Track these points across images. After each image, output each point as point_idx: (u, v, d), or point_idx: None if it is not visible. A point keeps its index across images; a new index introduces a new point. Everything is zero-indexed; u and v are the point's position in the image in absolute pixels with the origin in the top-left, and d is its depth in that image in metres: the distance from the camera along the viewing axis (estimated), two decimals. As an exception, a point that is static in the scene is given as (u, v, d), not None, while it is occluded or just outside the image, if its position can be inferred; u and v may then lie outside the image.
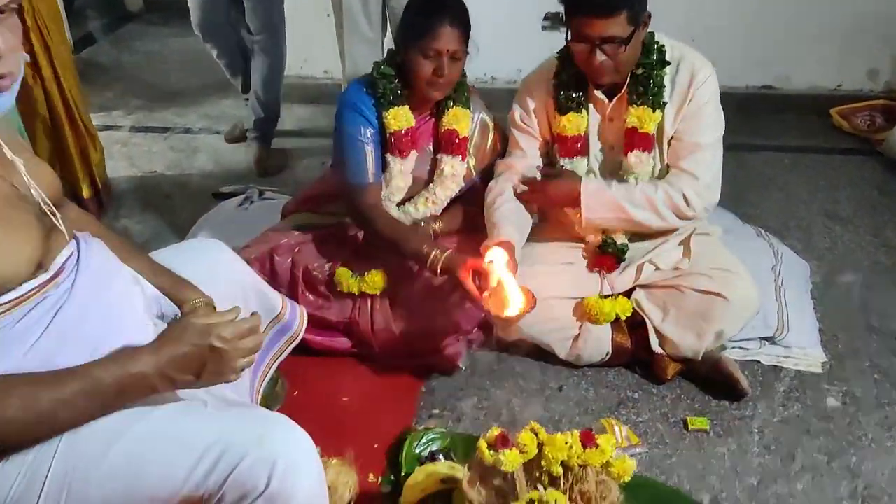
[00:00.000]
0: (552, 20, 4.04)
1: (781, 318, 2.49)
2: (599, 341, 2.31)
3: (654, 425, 2.20)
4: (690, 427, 2.17)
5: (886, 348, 2.47)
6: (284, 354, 1.97)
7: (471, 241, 2.30)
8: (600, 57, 2.06)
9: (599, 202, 2.19)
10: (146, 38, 5.48)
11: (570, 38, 2.10)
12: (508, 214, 2.20)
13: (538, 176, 2.29)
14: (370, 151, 2.26)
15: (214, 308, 1.56)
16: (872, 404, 2.26)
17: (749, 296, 2.22)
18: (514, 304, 1.96)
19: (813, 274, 2.80)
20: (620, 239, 2.30)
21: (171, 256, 1.69)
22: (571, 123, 2.23)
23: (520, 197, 2.26)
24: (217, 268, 1.74)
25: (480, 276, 2.00)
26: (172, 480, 1.23)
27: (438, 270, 2.07)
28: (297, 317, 1.98)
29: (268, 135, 3.69)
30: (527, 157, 2.32)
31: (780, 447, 2.12)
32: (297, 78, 4.35)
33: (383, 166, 2.32)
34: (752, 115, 3.95)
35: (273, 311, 1.91)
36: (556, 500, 1.56)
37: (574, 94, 2.22)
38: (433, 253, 2.08)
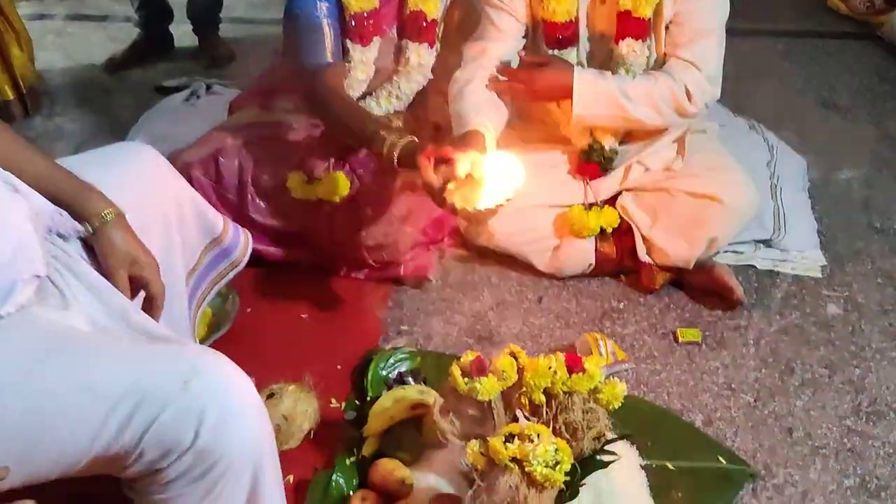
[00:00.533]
0: None
1: (778, 219, 2.30)
2: (582, 252, 2.11)
3: (642, 338, 2.03)
4: (681, 339, 2.00)
5: (890, 249, 2.30)
6: (225, 280, 1.74)
7: (439, 139, 2.05)
8: None
9: (594, 96, 1.93)
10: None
11: None
12: (479, 104, 1.92)
13: (518, 64, 2.01)
14: (328, 26, 1.95)
15: (127, 224, 1.30)
16: (875, 311, 2.10)
17: (747, 199, 2.02)
18: (487, 192, 1.63)
19: (810, 170, 2.59)
20: (609, 143, 2.05)
21: (86, 163, 1.42)
22: (561, 6, 1.94)
23: (496, 88, 1.99)
24: (144, 178, 1.48)
25: (446, 165, 1.64)
26: (79, 438, 1.02)
27: (396, 159, 1.74)
28: (241, 241, 1.73)
29: (214, 21, 3.34)
30: (504, 40, 2.02)
31: (777, 360, 1.96)
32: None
33: (343, 55, 2.03)
34: (747, -1, 3.66)
35: (212, 231, 1.66)
36: (538, 435, 1.38)
37: None
38: (390, 139, 1.75)
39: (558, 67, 1.95)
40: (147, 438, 1.02)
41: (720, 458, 1.70)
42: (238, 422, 1.07)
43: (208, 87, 2.97)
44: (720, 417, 1.82)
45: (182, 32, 3.44)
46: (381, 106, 2.11)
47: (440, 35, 2.14)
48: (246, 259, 1.74)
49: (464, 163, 1.61)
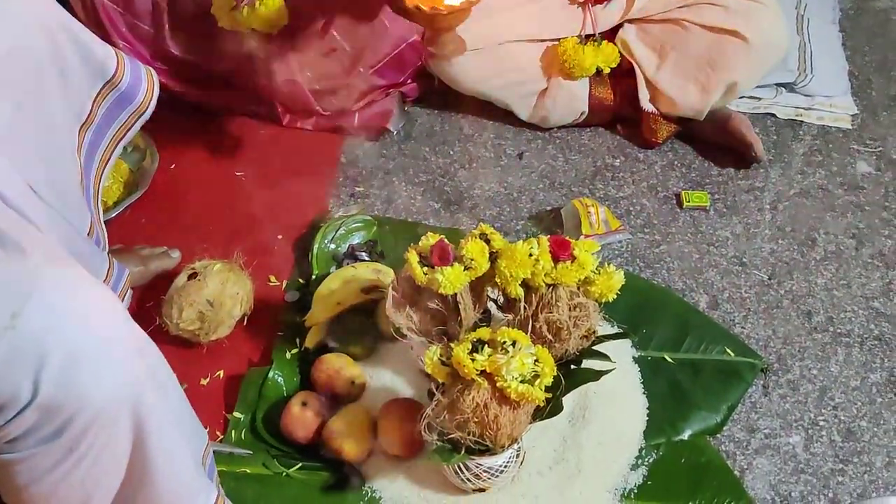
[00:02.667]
0: None
1: (804, 59, 1.96)
2: (573, 98, 1.77)
3: (640, 202, 1.73)
4: (685, 204, 1.70)
5: (932, 95, 1.97)
6: (131, 133, 1.39)
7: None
8: None
9: None
10: None
11: None
12: None
13: None
14: None
15: None
16: (912, 169, 1.81)
17: (776, 35, 1.67)
18: None
19: (841, -2, 2.21)
20: (613, -46, 1.65)
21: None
22: None
23: None
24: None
25: None
26: None
27: None
28: (143, 80, 1.36)
29: None
30: None
31: (797, 228, 1.68)
32: None
33: None
34: None
35: (103, 71, 1.29)
36: (513, 343, 1.10)
37: None
38: None
39: None
40: None
41: (727, 350, 1.45)
42: (96, 364, 0.78)
43: None
44: (728, 299, 1.55)
45: None
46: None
47: None
48: (152, 105, 1.38)
49: None
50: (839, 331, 1.51)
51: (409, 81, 1.81)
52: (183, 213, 1.66)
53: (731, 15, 1.64)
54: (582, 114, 1.79)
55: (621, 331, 1.40)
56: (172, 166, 1.73)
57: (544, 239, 1.19)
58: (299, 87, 1.74)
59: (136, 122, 1.40)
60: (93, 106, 1.33)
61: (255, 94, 1.78)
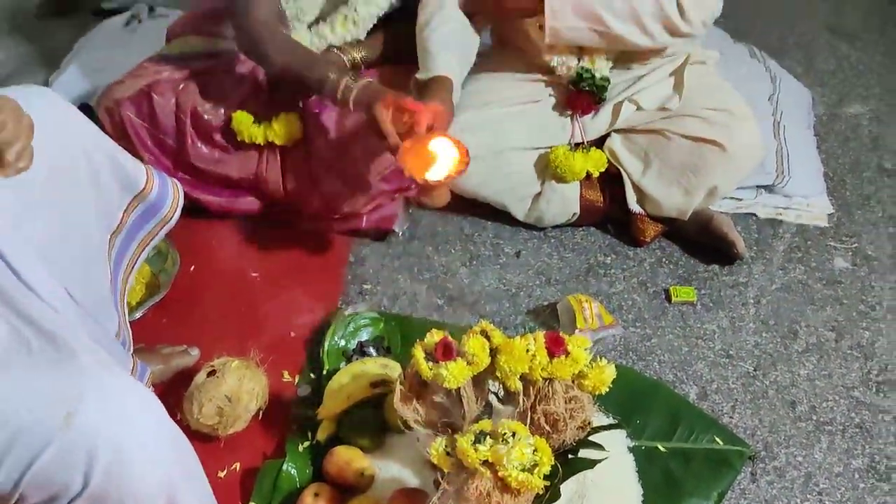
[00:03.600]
0: None
1: (781, 162, 2.08)
2: (566, 200, 1.89)
3: (631, 297, 1.83)
4: (674, 299, 1.81)
5: (902, 195, 2.10)
6: (156, 239, 1.51)
7: (402, 74, 1.80)
8: None
9: (569, 4, 1.67)
10: None
11: None
12: (448, 38, 1.68)
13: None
14: None
15: None
16: (887, 265, 1.92)
17: (752, 144, 1.80)
18: (438, 164, 1.50)
19: (815, 104, 2.36)
20: (600, 70, 1.80)
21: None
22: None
23: (465, 4, 1.72)
24: (44, 125, 1.22)
25: (406, 116, 1.51)
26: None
27: (351, 103, 1.56)
28: (170, 193, 1.49)
29: None
30: None
31: (779, 322, 1.77)
32: None
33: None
34: None
35: (133, 186, 1.42)
36: (513, 434, 1.18)
37: None
38: (344, 81, 1.56)
39: None
40: (27, 481, 0.82)
41: (717, 438, 1.53)
42: (138, 457, 0.87)
43: (151, 10, 2.66)
44: (716, 390, 1.64)
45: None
46: (336, 32, 1.84)
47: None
48: (177, 214, 1.51)
49: (425, 119, 1.47)
50: (822, 419, 1.59)
51: (412, 186, 1.94)
52: (201, 312, 1.75)
53: (710, 126, 1.77)
54: (574, 214, 1.90)
55: (615, 422, 1.48)
56: (192, 268, 1.83)
57: (540, 335, 1.28)
58: (311, 192, 1.85)
59: (161, 229, 1.53)
60: (123, 216, 1.45)
61: (271, 200, 1.90)
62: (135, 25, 2.59)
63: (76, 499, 0.84)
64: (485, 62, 1.93)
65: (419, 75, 1.65)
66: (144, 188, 1.43)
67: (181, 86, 1.85)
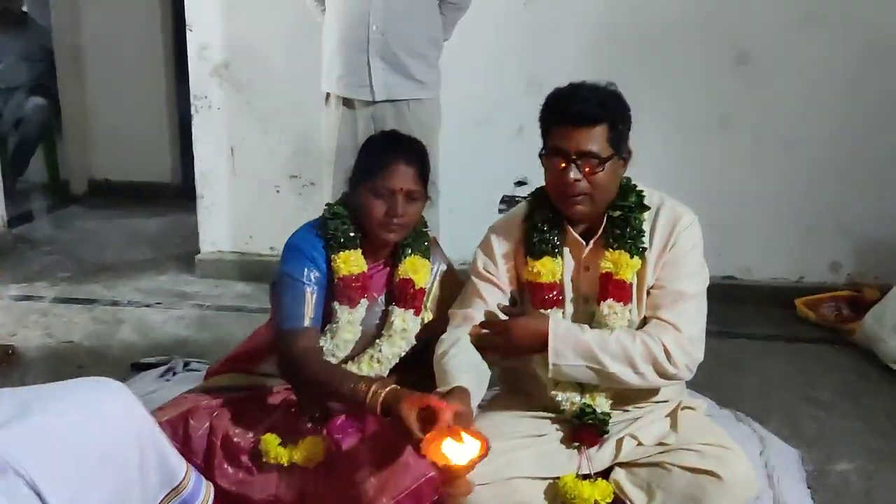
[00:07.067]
0: (508, 203, 3.94)
1: (779, 507, 2.16)
2: (578, 532, 1.93)
3: None
4: None
5: (903, 546, 2.14)
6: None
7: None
8: (575, 174, 1.88)
9: (570, 346, 1.89)
10: (87, 219, 5.28)
11: (545, 152, 1.94)
12: (464, 363, 1.88)
13: (499, 317, 2.00)
14: (310, 294, 1.99)
15: None
16: None
17: (747, 475, 1.89)
18: (459, 452, 1.61)
19: (805, 462, 2.50)
20: (601, 406, 1.98)
21: (52, 393, 1.34)
22: (546, 268, 1.98)
23: (478, 343, 1.95)
24: (107, 411, 1.38)
25: (429, 416, 1.65)
26: None
27: (379, 408, 1.72)
28: (202, 492, 1.60)
29: None
30: (488, 308, 2.03)
31: None
32: (240, 255, 4.13)
33: (329, 316, 2.04)
34: (714, 305, 3.76)
35: (173, 478, 1.53)
36: None
37: (548, 236, 2.00)
38: (372, 388, 1.75)
39: (535, 317, 1.93)
40: None
41: None
42: None
43: (186, 364, 2.92)
44: None
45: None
46: (363, 370, 2.06)
47: (427, 305, 2.16)
48: None
49: (448, 415, 1.61)
50: None
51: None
52: None
53: (705, 458, 1.88)
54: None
55: None
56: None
57: None
58: (327, 516, 1.92)
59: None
60: (158, 505, 1.53)
61: (286, 524, 1.95)
62: (169, 377, 2.84)
63: None
64: (493, 404, 2.12)
65: (440, 389, 1.82)
66: (181, 482, 1.53)
67: (216, 413, 2.02)
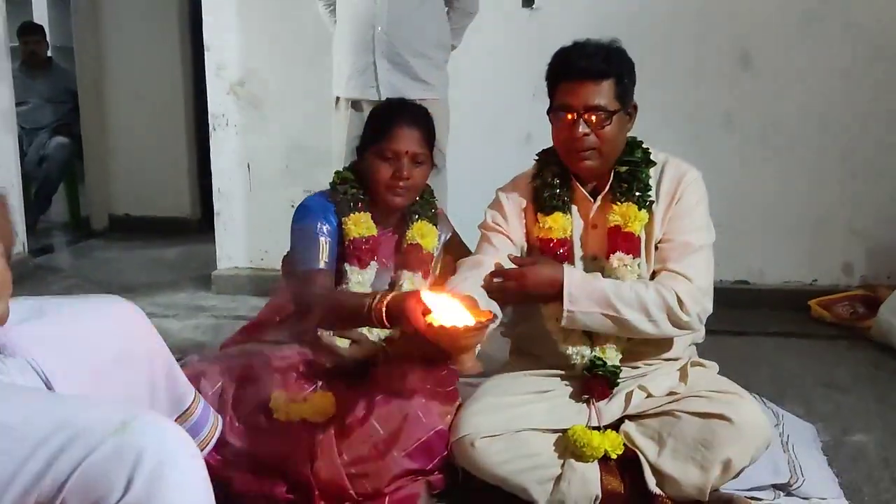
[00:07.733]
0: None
1: (793, 468, 2.14)
2: (587, 482, 1.92)
3: (659, 585, 1.76)
4: (703, 584, 1.74)
5: (923, 506, 2.09)
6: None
7: (428, 372, 2.02)
8: (583, 128, 1.93)
9: (585, 293, 1.91)
10: (107, 250, 5.37)
11: (552, 108, 1.99)
12: (472, 289, 1.89)
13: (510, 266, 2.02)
14: (325, 242, 2.07)
15: None
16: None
17: (757, 420, 1.90)
18: (466, 315, 1.65)
19: (821, 433, 2.47)
20: (611, 359, 1.99)
21: (67, 301, 1.39)
22: (557, 224, 2.02)
23: (490, 289, 1.95)
24: (121, 324, 1.42)
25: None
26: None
27: (384, 316, 1.78)
28: (210, 421, 1.62)
29: None
30: (499, 256, 2.03)
31: None
32: (255, 270, 4.19)
33: (341, 278, 2.09)
34: (728, 308, 3.75)
35: (181, 402, 1.56)
36: None
37: (558, 191, 2.04)
38: (376, 297, 1.80)
39: (548, 264, 1.96)
40: (74, 480, 0.86)
41: None
42: (176, 472, 0.91)
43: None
44: None
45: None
46: (373, 331, 2.09)
47: (434, 270, 2.19)
48: (210, 444, 1.59)
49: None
50: None
51: (435, 471, 1.99)
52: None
53: (714, 403, 1.89)
54: (596, 497, 1.91)
55: None
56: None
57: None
58: (338, 471, 1.91)
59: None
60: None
61: (297, 481, 1.95)
62: (184, 369, 2.86)
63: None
64: (503, 370, 2.14)
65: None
66: (189, 408, 1.56)
67: (227, 373, 2.06)
